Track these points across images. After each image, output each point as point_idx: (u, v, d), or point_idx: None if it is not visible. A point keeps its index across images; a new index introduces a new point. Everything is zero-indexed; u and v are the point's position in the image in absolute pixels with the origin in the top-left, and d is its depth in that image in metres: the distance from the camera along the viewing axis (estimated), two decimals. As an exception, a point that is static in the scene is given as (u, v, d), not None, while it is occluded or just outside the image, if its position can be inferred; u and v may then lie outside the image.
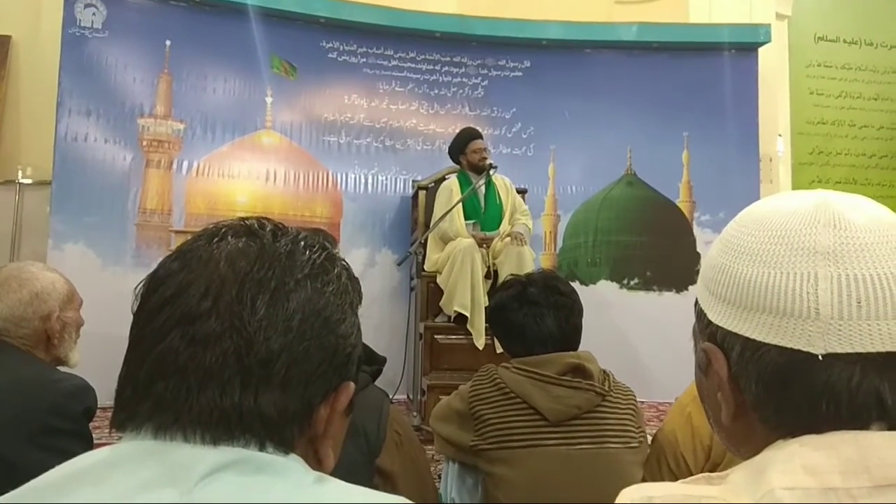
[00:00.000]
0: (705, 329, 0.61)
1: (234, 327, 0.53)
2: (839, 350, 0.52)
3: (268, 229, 0.59)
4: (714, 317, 0.59)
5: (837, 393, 0.52)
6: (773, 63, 5.33)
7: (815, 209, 0.56)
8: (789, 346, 0.53)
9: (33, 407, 1.35)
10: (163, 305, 0.54)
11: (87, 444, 1.42)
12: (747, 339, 0.56)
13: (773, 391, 0.55)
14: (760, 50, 5.10)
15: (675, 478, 1.47)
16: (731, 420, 0.59)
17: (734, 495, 0.52)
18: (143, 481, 0.48)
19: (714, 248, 0.62)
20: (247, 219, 0.60)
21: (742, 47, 5.09)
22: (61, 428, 1.37)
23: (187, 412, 0.51)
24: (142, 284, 0.57)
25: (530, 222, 4.08)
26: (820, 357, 0.52)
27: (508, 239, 3.76)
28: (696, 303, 0.64)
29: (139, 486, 0.48)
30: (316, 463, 0.57)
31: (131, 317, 0.57)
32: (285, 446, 0.54)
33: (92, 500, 0.48)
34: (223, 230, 0.59)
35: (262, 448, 0.52)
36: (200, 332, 0.52)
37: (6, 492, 0.53)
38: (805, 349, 0.52)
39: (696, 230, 5.01)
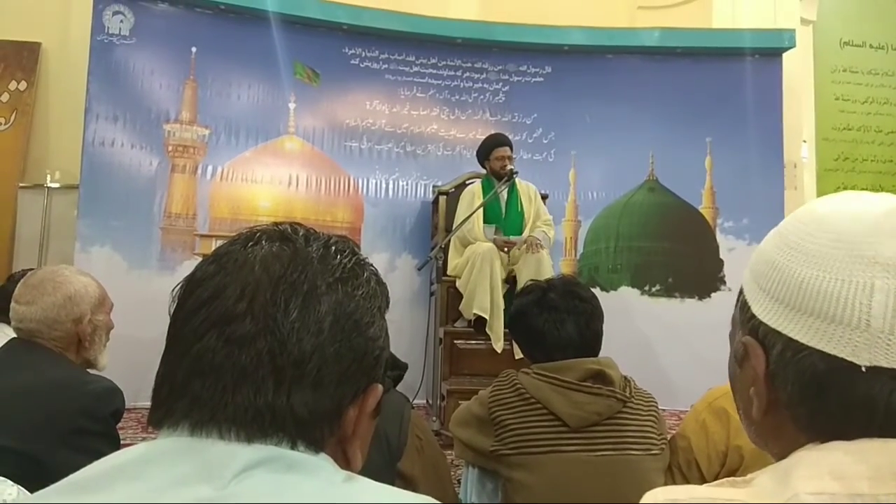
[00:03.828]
0: (747, 322, 0.60)
1: (269, 328, 0.54)
2: (884, 364, 0.50)
3: (300, 234, 0.61)
4: (759, 311, 0.58)
5: (875, 405, 0.51)
6: (797, 68, 5.27)
7: (882, 216, 0.54)
8: (833, 353, 0.52)
9: (64, 408, 1.38)
10: (200, 307, 0.56)
11: (115, 445, 1.45)
12: (790, 339, 0.54)
13: (808, 395, 0.54)
14: (785, 55, 5.05)
15: (686, 482, 1.47)
16: (762, 415, 0.58)
17: (759, 498, 0.51)
18: (178, 477, 0.50)
19: (769, 242, 0.60)
20: (280, 224, 0.62)
21: (766, 52, 5.05)
22: (90, 429, 1.40)
23: (223, 410, 0.53)
24: (179, 286, 0.59)
25: (551, 231, 4.07)
26: (863, 369, 0.51)
27: (525, 246, 3.76)
28: (741, 292, 0.62)
29: (175, 482, 0.49)
30: (344, 463, 0.59)
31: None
32: (316, 446, 0.55)
33: (129, 495, 0.49)
34: (258, 234, 0.60)
35: (293, 447, 0.53)
36: (236, 332, 0.54)
37: (38, 490, 0.55)
38: (849, 359, 0.51)
39: (719, 237, 4.97)
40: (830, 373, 0.52)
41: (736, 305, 0.64)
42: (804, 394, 0.54)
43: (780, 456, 0.57)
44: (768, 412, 0.58)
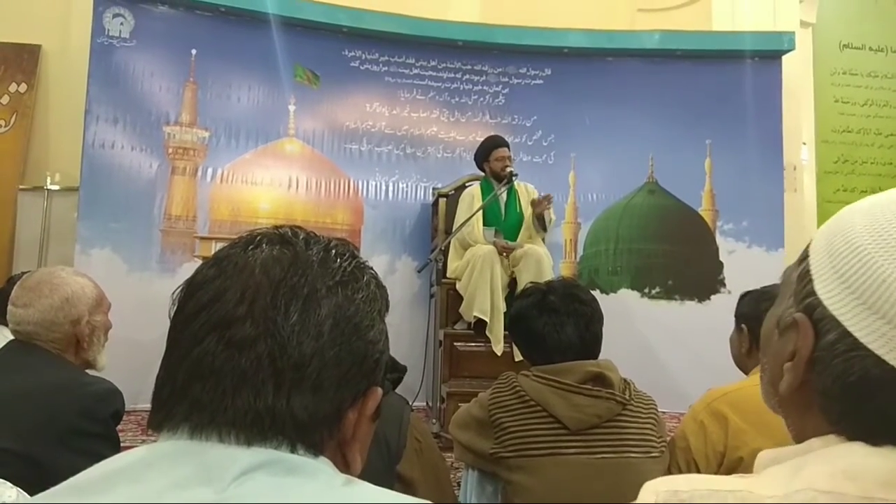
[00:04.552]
0: (805, 296, 0.54)
1: (269, 332, 0.54)
2: None
3: (301, 237, 0.61)
4: (822, 292, 0.53)
5: None
6: (797, 71, 5.27)
7: None
8: (892, 363, 0.48)
9: (64, 410, 1.38)
10: (200, 310, 0.56)
11: (115, 447, 1.45)
12: (849, 332, 0.50)
13: (850, 395, 0.51)
14: (784, 57, 5.05)
15: None
16: (791, 392, 0.55)
17: (764, 487, 0.50)
18: (178, 480, 0.50)
19: (856, 217, 0.53)
20: (281, 227, 0.62)
21: (766, 55, 5.04)
22: (90, 430, 1.40)
23: (222, 413, 0.53)
24: (180, 290, 0.59)
25: (554, 217, 4.09)
26: None
27: (527, 243, 3.76)
28: (806, 256, 0.57)
29: (175, 485, 0.50)
30: (344, 466, 0.59)
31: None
32: (315, 449, 0.55)
33: (129, 497, 0.50)
34: (258, 238, 0.61)
35: (293, 450, 0.54)
36: (236, 336, 0.54)
37: (37, 492, 0.55)
38: None
39: (719, 239, 4.97)
40: (882, 381, 0.49)
41: (796, 266, 0.58)
42: (845, 392, 0.51)
43: (797, 431, 0.56)
44: (798, 391, 0.54)
